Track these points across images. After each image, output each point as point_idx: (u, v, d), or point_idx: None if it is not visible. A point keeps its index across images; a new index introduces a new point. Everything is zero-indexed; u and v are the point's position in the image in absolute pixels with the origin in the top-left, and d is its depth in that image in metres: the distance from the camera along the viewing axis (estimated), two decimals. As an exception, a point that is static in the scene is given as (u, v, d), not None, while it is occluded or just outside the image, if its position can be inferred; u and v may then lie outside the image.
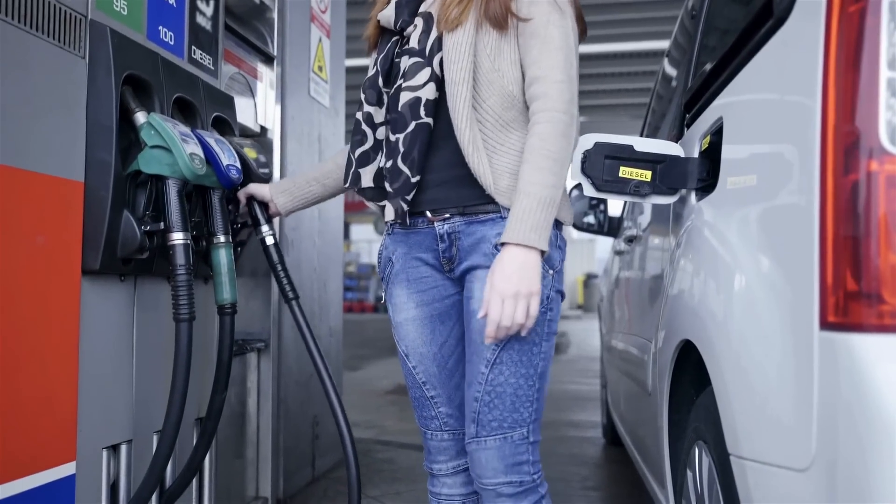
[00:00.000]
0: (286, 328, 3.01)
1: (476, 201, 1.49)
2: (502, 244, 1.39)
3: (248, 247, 2.89)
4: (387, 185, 1.51)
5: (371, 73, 1.58)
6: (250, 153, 1.90)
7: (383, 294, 1.63)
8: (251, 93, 2.73)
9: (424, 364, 1.57)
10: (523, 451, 1.47)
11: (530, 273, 1.37)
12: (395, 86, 1.52)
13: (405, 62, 1.51)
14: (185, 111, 1.91)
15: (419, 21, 1.52)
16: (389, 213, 1.51)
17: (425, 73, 1.47)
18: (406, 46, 1.53)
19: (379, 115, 1.56)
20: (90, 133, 1.60)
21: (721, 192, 1.45)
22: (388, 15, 1.57)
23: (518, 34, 1.46)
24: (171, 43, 1.88)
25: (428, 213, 1.52)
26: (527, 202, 1.37)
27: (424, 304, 1.57)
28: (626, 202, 3.24)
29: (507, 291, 1.35)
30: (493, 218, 1.48)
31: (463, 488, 1.61)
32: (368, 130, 1.56)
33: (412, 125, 1.47)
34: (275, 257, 1.92)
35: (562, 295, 1.53)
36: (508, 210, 1.43)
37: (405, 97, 1.48)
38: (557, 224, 1.51)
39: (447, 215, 1.51)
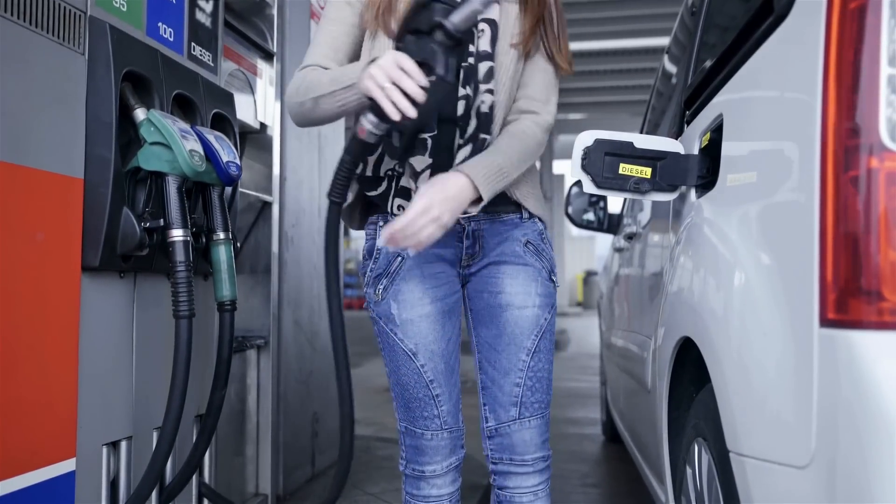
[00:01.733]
0: (286, 325, 3.01)
1: (500, 203, 1.54)
2: (455, 171, 1.42)
3: (248, 244, 2.90)
4: None
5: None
6: None
7: (379, 290, 1.55)
8: (251, 89, 2.73)
9: (434, 361, 1.55)
10: (548, 427, 1.61)
11: (459, 210, 1.40)
12: (473, 84, 1.53)
13: (478, 62, 1.53)
14: (184, 108, 1.91)
15: (486, 27, 1.53)
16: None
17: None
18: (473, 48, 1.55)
19: None
20: (90, 130, 1.60)
21: (721, 189, 1.45)
22: None
23: (526, 63, 1.56)
24: (171, 39, 1.88)
25: None
26: (499, 159, 1.46)
27: (438, 300, 1.55)
28: (625, 199, 3.24)
29: (435, 211, 1.36)
30: (514, 220, 1.59)
31: (451, 486, 1.60)
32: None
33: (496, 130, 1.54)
34: None
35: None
36: (527, 211, 1.59)
37: (489, 100, 1.52)
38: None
39: (472, 214, 1.50)
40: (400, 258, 1.55)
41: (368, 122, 1.32)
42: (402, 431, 1.60)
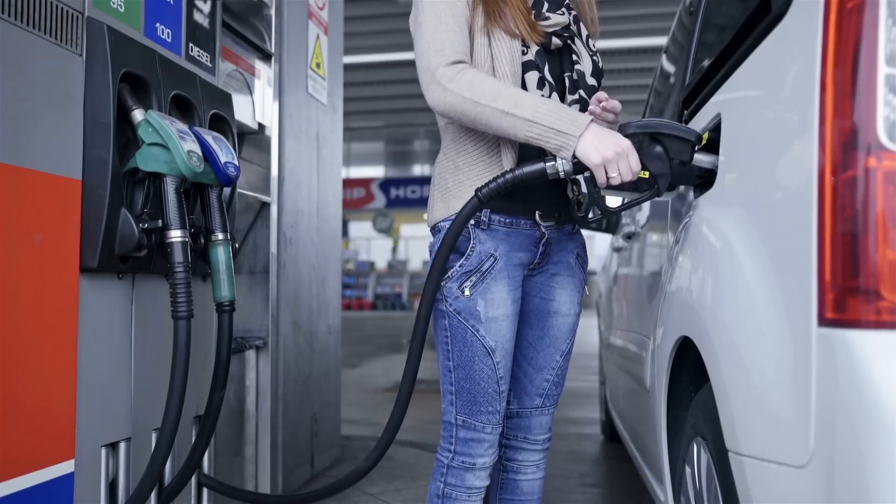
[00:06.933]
0: (285, 326, 3.01)
1: (567, 211, 1.62)
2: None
3: (247, 244, 2.90)
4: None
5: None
6: None
7: (466, 286, 1.55)
8: (249, 90, 2.73)
9: (506, 360, 1.61)
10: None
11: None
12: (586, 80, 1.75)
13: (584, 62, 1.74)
14: (182, 109, 1.90)
15: (572, 19, 1.74)
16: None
17: None
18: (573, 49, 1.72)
19: None
20: (88, 131, 1.60)
21: (719, 189, 1.45)
22: None
23: None
24: (169, 40, 1.88)
25: (537, 215, 1.60)
26: None
27: (515, 302, 1.62)
28: (624, 199, 3.24)
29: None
30: (569, 230, 1.68)
31: (488, 479, 1.67)
32: None
33: None
34: None
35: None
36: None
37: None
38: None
39: (552, 222, 1.62)
40: (493, 258, 1.57)
41: (562, 167, 1.45)
42: (458, 424, 1.61)
